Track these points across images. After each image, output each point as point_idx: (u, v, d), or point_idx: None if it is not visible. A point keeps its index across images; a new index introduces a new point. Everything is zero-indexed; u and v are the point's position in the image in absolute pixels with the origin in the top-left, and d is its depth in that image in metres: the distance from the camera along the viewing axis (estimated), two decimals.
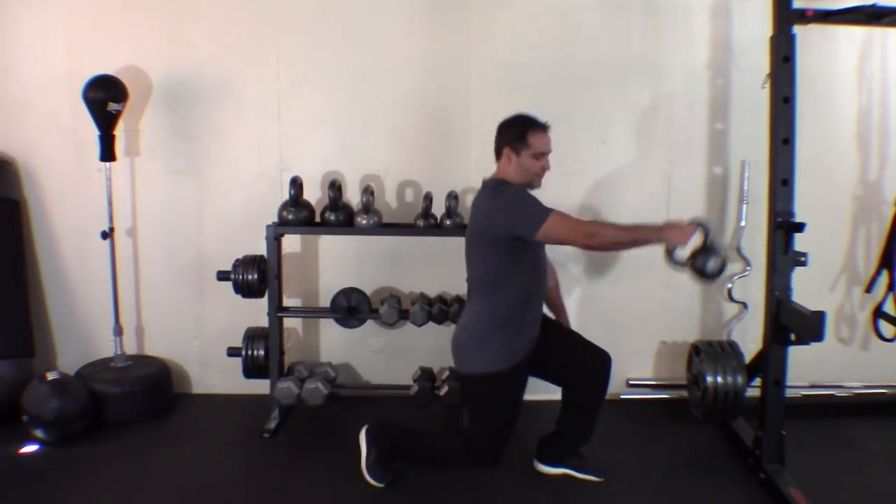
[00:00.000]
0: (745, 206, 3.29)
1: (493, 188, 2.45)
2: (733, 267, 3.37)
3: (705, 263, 2.36)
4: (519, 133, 2.48)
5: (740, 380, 2.93)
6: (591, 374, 2.66)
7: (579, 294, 3.45)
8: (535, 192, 2.47)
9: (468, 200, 3.21)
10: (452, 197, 3.07)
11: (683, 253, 2.36)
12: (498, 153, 2.55)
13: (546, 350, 2.59)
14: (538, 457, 2.79)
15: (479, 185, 3.31)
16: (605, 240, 2.31)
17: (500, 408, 2.54)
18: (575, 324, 3.41)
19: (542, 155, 2.50)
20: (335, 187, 3.06)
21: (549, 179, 3.13)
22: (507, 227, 2.35)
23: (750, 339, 3.19)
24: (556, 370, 2.68)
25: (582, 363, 2.65)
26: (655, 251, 3.36)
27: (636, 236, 2.35)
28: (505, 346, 2.47)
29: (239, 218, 3.35)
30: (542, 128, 2.51)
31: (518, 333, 2.50)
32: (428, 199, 3.12)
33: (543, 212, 2.32)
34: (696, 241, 2.35)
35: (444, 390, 3.10)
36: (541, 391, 3.46)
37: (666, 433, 3.17)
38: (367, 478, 2.61)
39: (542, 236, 2.31)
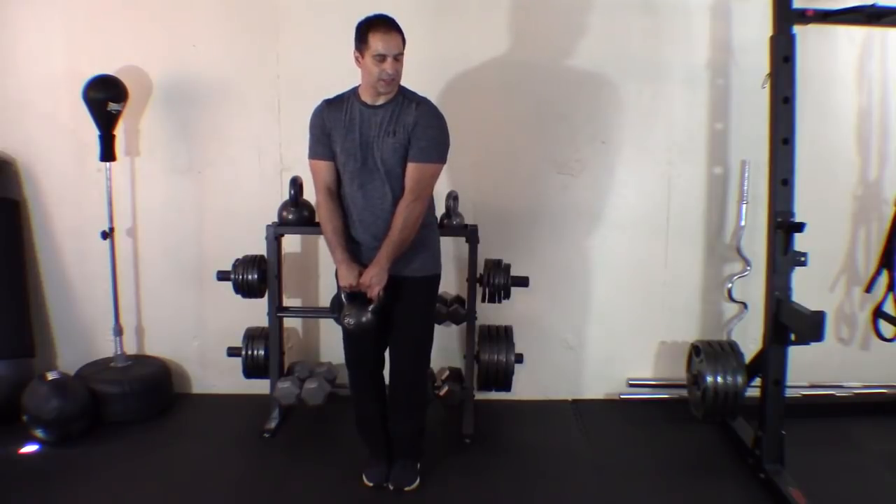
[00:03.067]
0: (745, 206, 3.29)
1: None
2: (733, 267, 3.38)
3: (344, 313, 2.44)
4: (361, 34, 2.31)
5: (740, 380, 2.93)
6: (395, 357, 2.64)
7: (580, 294, 3.45)
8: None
9: (468, 200, 3.21)
10: (452, 197, 3.07)
11: (344, 291, 2.46)
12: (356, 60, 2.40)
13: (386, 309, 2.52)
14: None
15: (478, 185, 3.34)
16: (318, 220, 2.49)
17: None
18: (576, 323, 3.44)
19: (382, 57, 2.27)
20: None
21: (550, 179, 3.14)
22: None
23: (750, 339, 3.19)
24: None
25: (393, 340, 2.61)
26: (659, 252, 3.41)
27: (329, 247, 2.49)
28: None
29: (239, 218, 3.35)
30: (384, 26, 2.28)
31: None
32: None
33: (309, 153, 2.47)
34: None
35: (444, 390, 3.10)
36: (542, 391, 3.48)
37: (666, 433, 3.17)
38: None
39: None
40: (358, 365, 2.65)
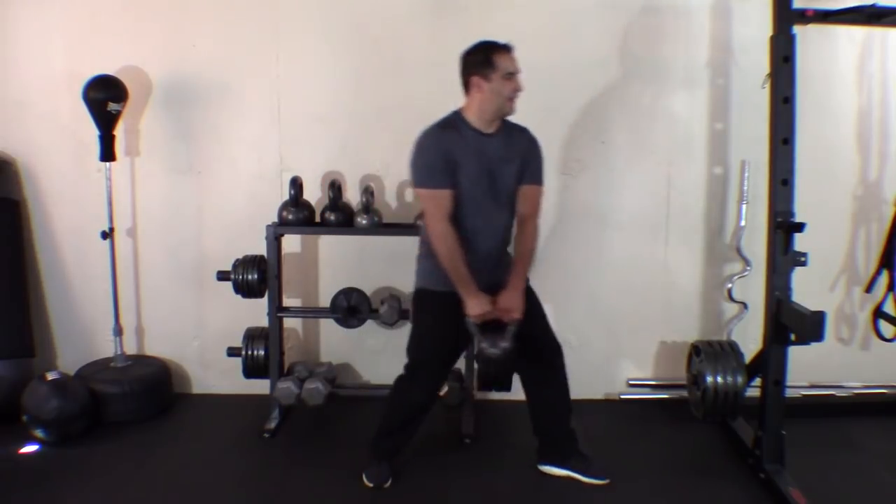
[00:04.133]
0: (745, 206, 3.29)
1: (429, 128, 2.45)
2: (733, 267, 3.38)
3: (484, 344, 2.42)
4: (484, 57, 2.38)
5: (740, 380, 2.93)
6: (542, 366, 2.65)
7: (580, 294, 3.45)
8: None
9: None
10: None
11: (475, 322, 2.43)
12: (466, 85, 2.43)
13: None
14: (539, 456, 2.78)
15: None
16: (439, 253, 2.40)
17: (426, 328, 2.57)
18: (576, 323, 3.44)
19: (512, 75, 2.38)
20: (335, 187, 3.06)
21: (550, 179, 3.13)
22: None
23: (750, 339, 3.18)
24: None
25: (533, 351, 2.61)
26: (659, 252, 3.41)
27: (454, 277, 2.40)
28: (437, 267, 2.44)
29: (239, 218, 3.35)
30: (505, 48, 2.40)
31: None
32: None
33: (420, 182, 2.40)
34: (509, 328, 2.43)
35: (444, 390, 3.10)
36: None
37: (666, 433, 3.17)
38: (364, 480, 2.65)
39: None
40: (446, 366, 2.66)
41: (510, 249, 2.61)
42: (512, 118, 2.49)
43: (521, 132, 2.52)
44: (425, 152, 2.40)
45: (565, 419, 2.73)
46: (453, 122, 2.44)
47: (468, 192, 2.41)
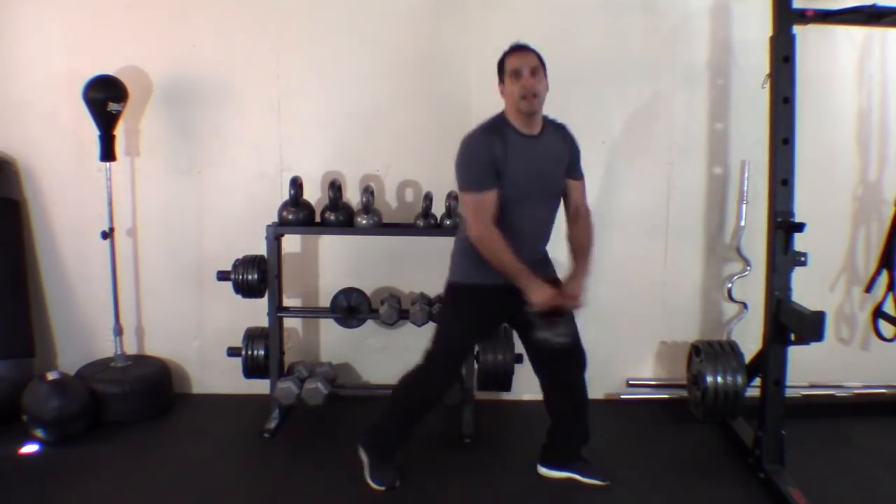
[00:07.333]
0: (745, 206, 3.29)
1: (473, 131, 2.43)
2: (733, 267, 3.38)
3: (542, 330, 2.40)
4: (499, 64, 2.42)
5: (740, 380, 2.93)
6: (563, 372, 2.64)
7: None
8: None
9: None
10: (452, 197, 3.07)
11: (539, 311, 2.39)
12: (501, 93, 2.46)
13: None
14: (541, 459, 2.78)
15: None
16: (486, 254, 2.37)
17: (456, 319, 2.56)
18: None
19: (516, 72, 2.34)
20: (335, 187, 3.06)
21: None
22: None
23: (750, 339, 3.18)
24: (530, 348, 2.63)
25: (554, 358, 2.59)
26: (659, 252, 3.41)
27: (510, 272, 2.36)
28: (472, 263, 2.43)
29: (239, 218, 3.35)
30: (513, 49, 2.39)
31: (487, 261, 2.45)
32: (428, 199, 3.12)
33: (465, 186, 2.37)
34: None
35: None
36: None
37: (666, 433, 3.17)
38: (372, 485, 2.63)
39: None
40: (465, 358, 2.75)
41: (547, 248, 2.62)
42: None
43: (562, 129, 2.54)
44: (474, 155, 2.35)
45: (583, 422, 2.71)
46: (498, 125, 2.41)
47: (515, 194, 2.38)
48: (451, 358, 2.60)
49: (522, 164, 2.37)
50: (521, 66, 2.34)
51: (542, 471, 2.76)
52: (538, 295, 2.35)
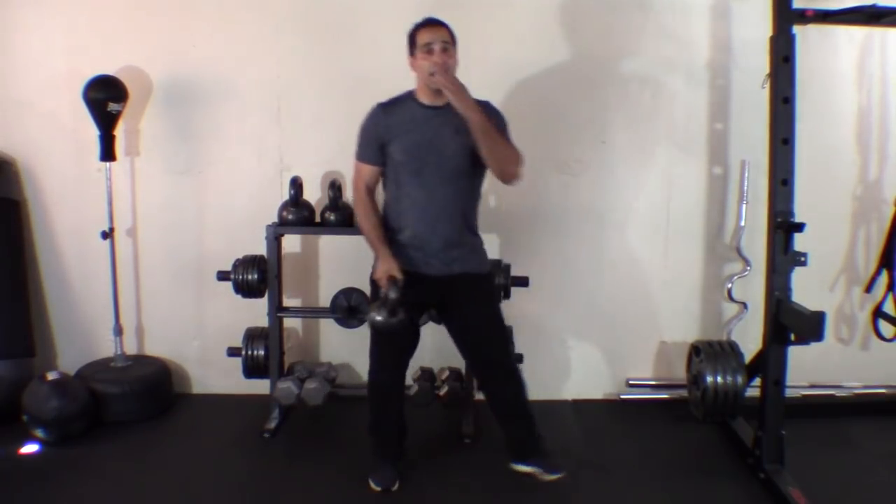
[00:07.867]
0: (745, 206, 3.29)
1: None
2: (733, 267, 3.38)
3: (372, 312, 2.37)
4: (410, 37, 2.39)
5: (740, 380, 2.93)
6: (486, 380, 2.63)
7: (580, 294, 3.45)
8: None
9: None
10: None
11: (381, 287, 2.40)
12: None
13: (460, 313, 2.55)
14: (508, 453, 2.67)
15: None
16: (356, 218, 2.55)
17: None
18: (575, 323, 3.44)
19: (428, 46, 2.32)
20: (335, 187, 3.06)
21: (550, 179, 3.13)
22: None
23: (750, 339, 3.18)
24: (460, 341, 2.61)
25: (475, 363, 2.64)
26: (658, 252, 3.41)
27: (367, 240, 2.50)
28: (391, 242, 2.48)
29: (239, 218, 3.35)
30: (425, 23, 2.37)
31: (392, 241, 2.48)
32: None
33: (357, 155, 2.50)
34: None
35: (444, 390, 3.10)
36: (542, 392, 3.47)
37: (666, 433, 3.17)
38: (373, 485, 2.63)
39: None
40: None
41: (474, 240, 2.56)
42: (477, 96, 2.38)
43: (483, 105, 2.39)
44: (363, 129, 2.48)
45: (522, 430, 2.60)
46: (401, 98, 2.46)
47: (410, 164, 2.40)
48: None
49: (414, 134, 2.39)
50: (432, 40, 2.33)
51: (511, 465, 2.65)
52: (380, 269, 2.41)
